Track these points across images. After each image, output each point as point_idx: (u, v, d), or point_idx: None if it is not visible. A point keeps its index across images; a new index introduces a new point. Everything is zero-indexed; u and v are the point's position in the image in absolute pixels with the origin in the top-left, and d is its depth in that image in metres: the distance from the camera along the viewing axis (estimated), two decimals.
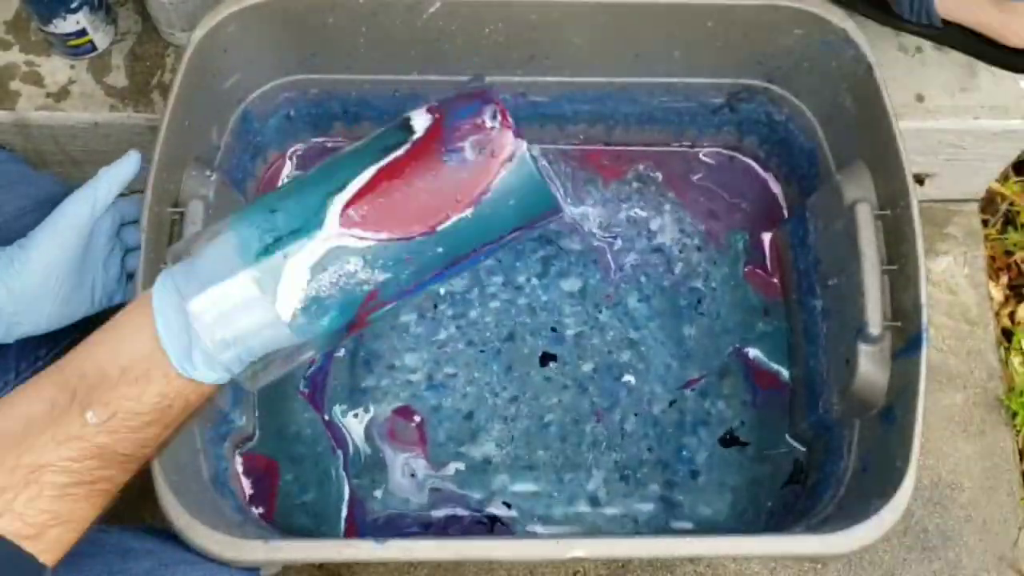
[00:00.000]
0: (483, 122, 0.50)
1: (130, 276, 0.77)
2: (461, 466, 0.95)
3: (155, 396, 0.52)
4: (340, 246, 0.50)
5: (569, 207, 1.05)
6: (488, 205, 0.49)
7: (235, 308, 0.50)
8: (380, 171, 0.50)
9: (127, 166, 0.74)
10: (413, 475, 0.95)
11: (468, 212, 0.49)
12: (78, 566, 0.63)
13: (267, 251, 0.50)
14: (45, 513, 0.50)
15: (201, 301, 0.50)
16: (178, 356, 0.51)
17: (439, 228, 0.49)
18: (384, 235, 0.49)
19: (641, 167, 1.05)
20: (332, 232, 0.50)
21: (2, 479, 0.50)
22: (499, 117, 0.50)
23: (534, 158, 0.50)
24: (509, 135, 0.50)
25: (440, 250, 0.50)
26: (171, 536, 0.69)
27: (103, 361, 0.52)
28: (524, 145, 0.49)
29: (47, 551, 0.51)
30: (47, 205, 0.75)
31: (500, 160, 0.49)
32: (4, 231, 0.74)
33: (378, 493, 0.94)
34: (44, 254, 0.69)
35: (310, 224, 0.50)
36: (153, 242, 0.75)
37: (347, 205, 0.50)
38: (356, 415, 0.96)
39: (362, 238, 0.49)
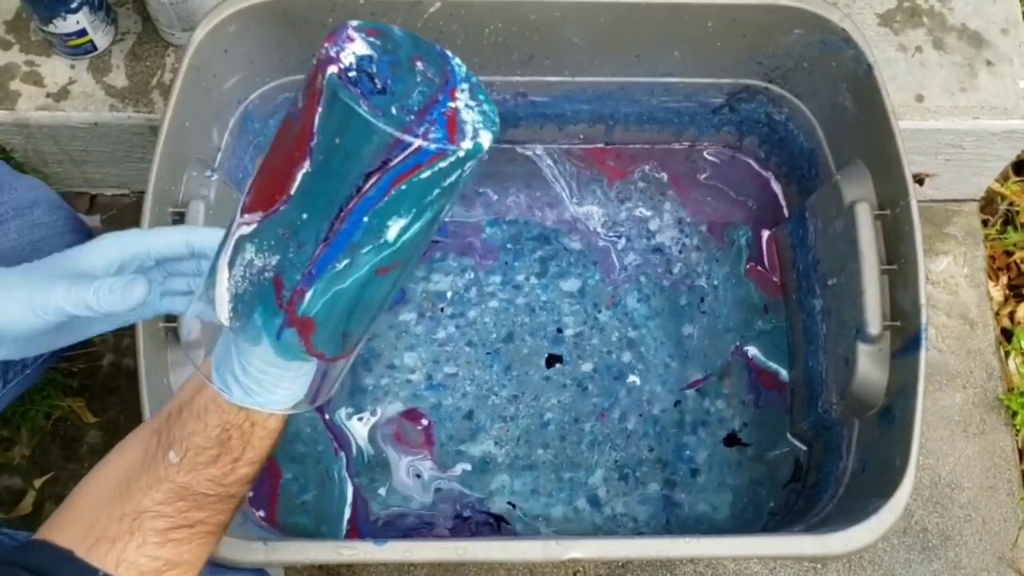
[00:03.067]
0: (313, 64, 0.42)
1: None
2: (468, 467, 0.96)
3: (215, 428, 0.53)
4: (240, 236, 0.46)
5: (574, 206, 1.05)
6: (320, 151, 0.42)
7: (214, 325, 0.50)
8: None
9: (130, 298, 0.56)
10: (419, 476, 0.95)
11: (307, 164, 0.42)
12: None
13: (215, 259, 0.48)
14: (157, 560, 0.52)
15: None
16: (219, 381, 0.52)
17: (291, 191, 0.43)
18: (259, 214, 0.45)
19: (647, 167, 1.05)
20: (236, 223, 0.47)
21: (112, 529, 0.52)
22: (320, 52, 0.41)
23: (351, 80, 0.40)
24: (318, 64, 0.41)
25: (304, 216, 0.43)
26: None
27: (179, 400, 0.54)
28: (332, 69, 0.40)
29: None
30: (27, 211, 0.74)
31: (314, 97, 0.41)
32: None
33: (381, 493, 0.94)
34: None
35: (232, 221, 0.47)
36: None
37: (246, 193, 0.47)
38: (361, 418, 0.97)
39: (249, 223, 0.46)
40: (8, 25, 0.98)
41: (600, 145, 1.04)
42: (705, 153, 1.05)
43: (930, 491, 1.02)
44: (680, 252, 1.04)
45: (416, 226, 0.43)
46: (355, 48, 0.42)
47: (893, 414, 0.78)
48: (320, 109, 0.41)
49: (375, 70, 0.41)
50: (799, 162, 0.98)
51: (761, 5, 0.86)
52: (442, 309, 1.01)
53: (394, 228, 0.43)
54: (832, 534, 0.70)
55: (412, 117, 0.40)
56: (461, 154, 0.41)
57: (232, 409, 0.53)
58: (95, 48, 0.95)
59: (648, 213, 1.05)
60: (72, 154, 1.01)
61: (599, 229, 1.04)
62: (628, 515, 0.95)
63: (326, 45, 0.41)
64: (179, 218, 0.79)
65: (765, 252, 1.03)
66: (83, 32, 0.92)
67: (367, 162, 0.41)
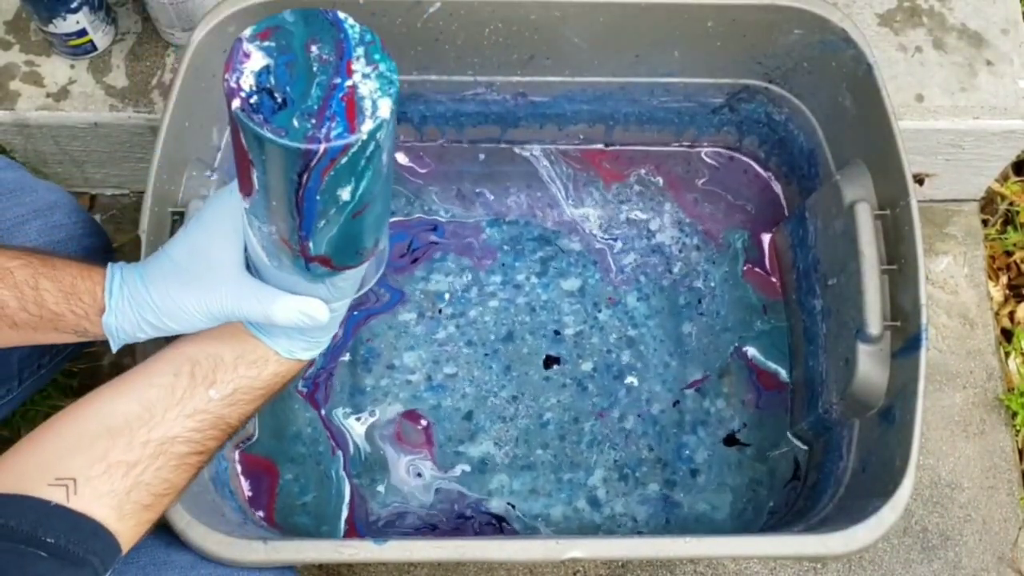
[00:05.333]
0: None
1: None
2: (467, 468, 0.96)
3: (271, 375, 0.61)
4: (244, 208, 0.53)
5: (570, 208, 1.05)
6: (256, 164, 0.47)
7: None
8: None
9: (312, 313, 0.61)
10: (419, 475, 0.95)
11: (253, 172, 0.47)
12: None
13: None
14: (165, 482, 0.57)
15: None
16: (285, 351, 0.61)
17: (254, 187, 0.49)
18: (245, 196, 0.51)
19: (643, 171, 1.05)
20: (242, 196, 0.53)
21: (134, 454, 0.55)
22: (223, 83, 0.46)
23: (252, 107, 0.44)
24: (226, 98, 0.45)
25: (273, 203, 0.49)
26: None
27: (214, 351, 0.60)
28: (235, 103, 0.44)
29: (151, 520, 0.57)
30: (47, 213, 0.75)
31: (234, 125, 0.46)
32: (4, 239, 0.73)
33: (380, 492, 0.94)
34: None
35: None
36: (153, 243, 0.75)
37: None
38: (359, 418, 0.97)
39: (245, 201, 0.52)
40: (8, 25, 0.98)
41: (600, 146, 1.04)
42: (703, 155, 1.05)
43: (930, 491, 1.02)
44: (680, 251, 1.04)
45: (364, 183, 0.47)
46: (251, 65, 0.45)
47: (893, 414, 0.78)
48: (241, 136, 0.46)
49: (273, 82, 0.45)
50: (799, 162, 0.98)
51: (761, 5, 0.86)
52: (440, 310, 1.01)
53: (345, 193, 0.47)
54: (832, 534, 0.70)
55: (313, 121, 0.44)
56: (364, 137, 0.44)
57: (289, 361, 0.61)
58: (95, 48, 0.95)
59: (645, 216, 1.05)
60: (72, 154, 1.01)
61: (595, 231, 1.04)
62: (628, 515, 0.95)
63: (226, 75, 0.45)
64: (179, 218, 0.79)
65: (767, 254, 1.03)
66: (83, 32, 0.92)
67: (293, 169, 0.45)
